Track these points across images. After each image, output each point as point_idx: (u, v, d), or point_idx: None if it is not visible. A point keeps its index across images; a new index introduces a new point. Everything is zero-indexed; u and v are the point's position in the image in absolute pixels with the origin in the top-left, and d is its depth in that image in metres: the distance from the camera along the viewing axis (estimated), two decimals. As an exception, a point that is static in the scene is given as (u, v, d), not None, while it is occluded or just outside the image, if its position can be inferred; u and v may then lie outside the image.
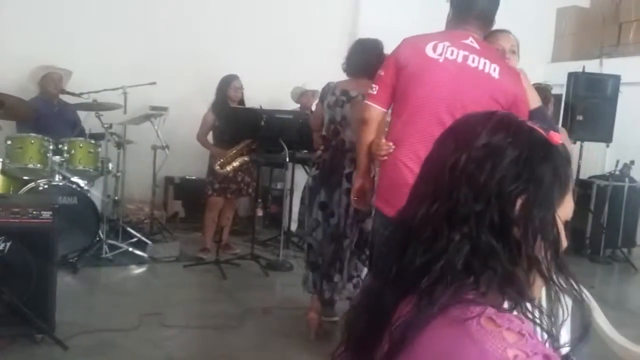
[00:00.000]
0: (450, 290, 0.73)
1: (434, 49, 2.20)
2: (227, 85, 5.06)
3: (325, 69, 6.29)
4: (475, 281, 0.74)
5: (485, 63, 2.15)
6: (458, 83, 2.16)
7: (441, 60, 2.18)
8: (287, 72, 6.17)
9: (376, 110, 2.37)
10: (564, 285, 0.76)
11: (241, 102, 5.17)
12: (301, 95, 6.10)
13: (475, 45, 2.19)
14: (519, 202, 0.75)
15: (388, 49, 3.27)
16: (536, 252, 0.75)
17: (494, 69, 2.15)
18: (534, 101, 2.28)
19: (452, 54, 2.17)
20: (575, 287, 0.77)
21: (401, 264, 0.77)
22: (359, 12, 6.94)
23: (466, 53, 2.17)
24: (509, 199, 0.75)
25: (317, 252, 3.41)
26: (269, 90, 5.94)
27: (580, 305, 0.79)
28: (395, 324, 0.74)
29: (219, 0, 6.23)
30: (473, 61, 2.16)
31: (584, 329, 0.84)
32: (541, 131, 0.79)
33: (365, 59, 3.25)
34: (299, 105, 6.13)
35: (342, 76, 3.49)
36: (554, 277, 0.75)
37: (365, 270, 3.26)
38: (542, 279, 0.76)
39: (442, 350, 0.70)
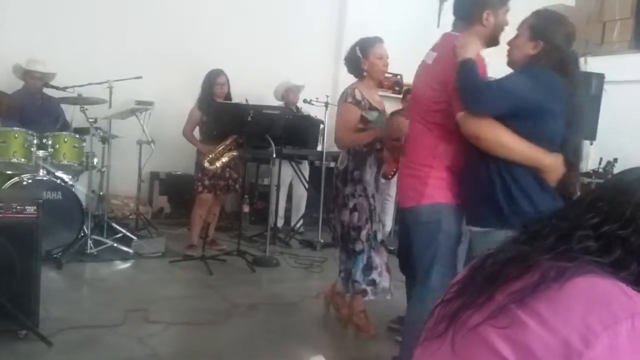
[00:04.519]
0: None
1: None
2: (213, 81, 5.03)
3: (311, 66, 6.36)
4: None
5: (432, 55, 2.34)
6: (417, 80, 2.46)
7: (420, 64, 2.46)
8: (274, 68, 6.16)
9: None
10: None
11: (227, 97, 5.14)
12: (287, 91, 6.01)
13: (440, 41, 2.38)
14: None
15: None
16: None
17: (432, 57, 2.33)
18: (464, 55, 2.08)
19: (426, 56, 2.42)
20: None
21: (564, 240, 0.98)
22: (346, 9, 6.94)
23: (430, 52, 2.40)
24: None
25: None
26: (256, 86, 5.91)
27: None
28: (552, 266, 0.93)
29: (206, -5, 6.21)
30: (429, 57, 2.37)
31: None
32: None
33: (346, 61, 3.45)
34: (283, 102, 6.02)
35: (329, 73, 3.51)
36: None
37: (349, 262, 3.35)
38: None
39: (597, 291, 0.87)
